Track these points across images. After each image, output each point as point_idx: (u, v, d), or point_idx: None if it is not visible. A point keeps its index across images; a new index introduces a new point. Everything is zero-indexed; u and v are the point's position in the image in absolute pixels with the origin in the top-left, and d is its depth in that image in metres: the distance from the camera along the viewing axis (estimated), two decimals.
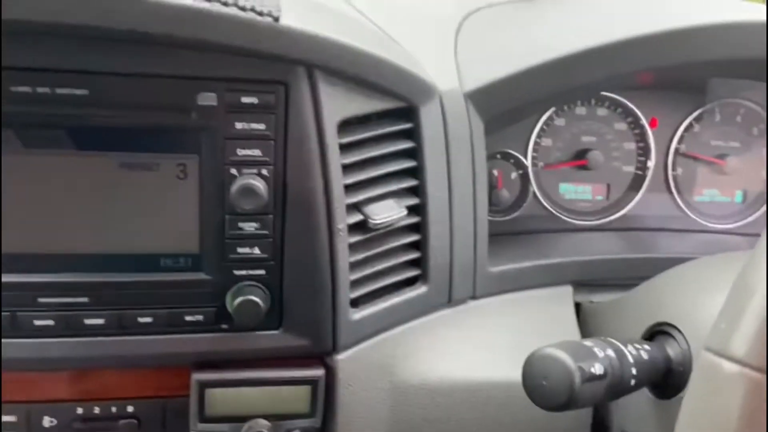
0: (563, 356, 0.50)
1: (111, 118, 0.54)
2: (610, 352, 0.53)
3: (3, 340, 0.57)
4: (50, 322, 0.57)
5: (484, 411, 0.69)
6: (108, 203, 0.56)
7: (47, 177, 0.55)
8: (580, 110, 0.89)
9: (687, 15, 0.73)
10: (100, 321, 0.58)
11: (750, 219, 0.96)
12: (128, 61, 0.53)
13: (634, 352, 0.54)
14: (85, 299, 0.57)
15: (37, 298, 0.56)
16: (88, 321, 0.57)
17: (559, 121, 0.89)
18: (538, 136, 0.88)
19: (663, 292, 0.66)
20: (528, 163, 0.88)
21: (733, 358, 0.33)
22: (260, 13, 0.52)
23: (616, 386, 0.52)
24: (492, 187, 0.86)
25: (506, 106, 0.73)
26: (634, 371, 0.53)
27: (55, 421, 0.62)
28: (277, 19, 0.52)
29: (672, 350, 0.58)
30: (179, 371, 0.62)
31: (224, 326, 0.61)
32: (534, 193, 0.89)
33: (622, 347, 0.54)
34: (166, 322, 0.59)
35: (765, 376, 0.32)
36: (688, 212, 0.95)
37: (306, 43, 0.55)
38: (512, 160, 0.88)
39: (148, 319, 0.59)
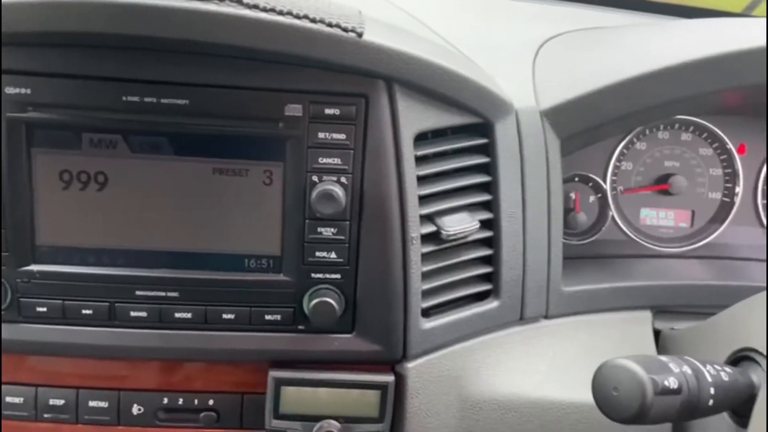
0: (635, 366, 0.49)
1: (207, 126, 0.59)
2: (687, 369, 0.51)
3: (101, 329, 0.62)
4: (144, 314, 0.62)
5: (555, 431, 0.68)
6: (201, 205, 0.61)
7: (148, 179, 0.60)
8: (663, 134, 0.88)
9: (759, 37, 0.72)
10: (188, 315, 0.62)
11: None
12: (224, 74, 0.58)
13: (713, 372, 0.52)
14: (176, 294, 0.62)
15: (135, 290, 0.61)
16: (177, 314, 0.62)
17: (640, 145, 0.88)
18: (618, 159, 0.87)
19: (749, 317, 0.63)
20: (607, 186, 0.87)
21: None
22: (345, 29, 0.56)
23: (693, 404, 0.50)
24: (569, 209, 0.85)
25: (583, 124, 0.73)
26: (712, 391, 0.51)
27: (142, 409, 0.66)
28: (360, 35, 0.56)
29: (757, 376, 0.55)
30: (257, 368, 0.65)
31: (300, 327, 0.64)
32: (612, 217, 0.88)
33: (701, 366, 0.52)
34: (247, 320, 0.63)
35: None
36: None
37: (386, 57, 0.58)
38: (591, 184, 0.87)
39: (231, 316, 0.63)
